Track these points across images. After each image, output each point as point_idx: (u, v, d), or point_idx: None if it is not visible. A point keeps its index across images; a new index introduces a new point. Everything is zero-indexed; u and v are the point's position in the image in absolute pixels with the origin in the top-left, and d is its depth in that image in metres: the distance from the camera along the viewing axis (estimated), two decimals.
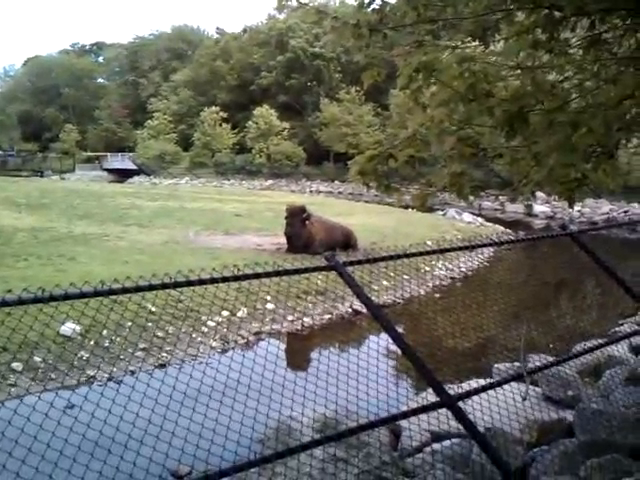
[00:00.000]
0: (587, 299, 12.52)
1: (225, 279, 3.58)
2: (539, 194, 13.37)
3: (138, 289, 3.33)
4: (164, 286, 3.35)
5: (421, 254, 4.50)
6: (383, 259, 4.34)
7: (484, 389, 4.29)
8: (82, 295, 3.18)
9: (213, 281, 3.40)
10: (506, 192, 4.21)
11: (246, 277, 3.66)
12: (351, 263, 4.13)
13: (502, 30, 3.64)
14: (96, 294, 3.22)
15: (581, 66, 3.62)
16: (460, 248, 4.95)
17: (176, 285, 3.28)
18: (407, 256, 4.40)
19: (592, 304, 12.09)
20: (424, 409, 3.88)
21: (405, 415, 3.97)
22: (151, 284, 3.37)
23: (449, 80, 3.32)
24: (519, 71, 3.61)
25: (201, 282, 3.33)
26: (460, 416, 3.70)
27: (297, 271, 3.89)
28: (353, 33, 3.57)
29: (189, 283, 3.41)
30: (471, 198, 3.72)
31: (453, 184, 3.54)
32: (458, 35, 3.67)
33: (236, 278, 3.61)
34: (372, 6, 3.60)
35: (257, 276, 3.71)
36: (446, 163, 3.56)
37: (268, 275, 3.73)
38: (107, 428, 3.68)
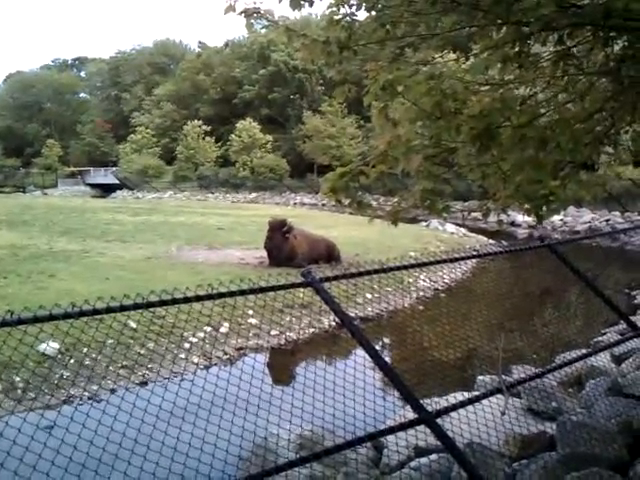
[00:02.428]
0: (570, 308, 12.58)
1: (199, 298, 3.54)
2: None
3: (122, 308, 3.30)
4: (136, 306, 3.30)
5: (398, 268, 4.48)
6: (360, 274, 4.32)
7: (462, 405, 4.26)
8: (66, 316, 3.14)
9: (175, 302, 3.36)
10: (479, 207, 4.21)
11: (220, 295, 3.63)
12: (327, 279, 4.10)
13: (472, 46, 3.65)
14: (81, 314, 3.19)
15: (550, 81, 3.63)
16: (438, 262, 4.94)
17: (136, 307, 3.23)
18: (384, 270, 4.38)
19: (575, 313, 12.14)
20: (402, 427, 3.84)
21: (382, 433, 3.93)
22: (122, 305, 3.32)
23: (416, 98, 3.32)
24: (487, 87, 3.62)
25: (162, 303, 3.29)
26: (438, 433, 3.67)
27: (273, 288, 3.86)
28: (323, 50, 3.57)
29: (162, 303, 3.37)
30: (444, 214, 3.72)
31: (424, 200, 3.53)
32: (428, 52, 3.67)
33: (210, 297, 3.57)
34: (341, 23, 3.60)
35: (232, 294, 3.68)
36: (417, 180, 3.55)
37: (243, 293, 3.69)
38: (88, 447, 3.62)
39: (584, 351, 7.05)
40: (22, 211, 25.45)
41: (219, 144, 64.19)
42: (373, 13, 3.60)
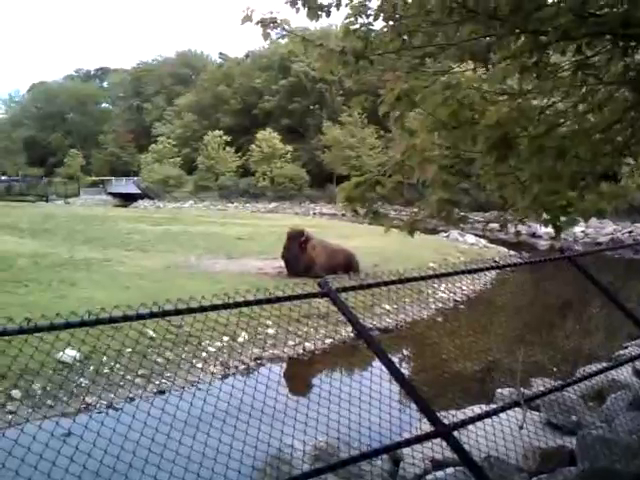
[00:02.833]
0: (592, 321, 12.41)
1: (215, 307, 3.54)
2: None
3: (138, 317, 3.32)
4: (152, 315, 3.31)
5: (415, 279, 4.45)
6: (377, 285, 4.29)
7: (480, 418, 4.21)
8: (83, 324, 3.17)
9: (191, 311, 3.37)
10: (496, 218, 4.17)
11: (237, 305, 3.63)
12: (344, 289, 4.09)
13: (491, 56, 3.62)
14: (97, 322, 3.21)
15: (568, 91, 3.59)
16: (457, 273, 4.90)
17: (162, 314, 3.23)
18: (401, 281, 4.35)
19: (597, 326, 11.98)
20: (418, 439, 3.80)
21: (399, 446, 3.89)
22: (138, 313, 3.33)
23: (432, 108, 3.30)
24: (505, 97, 3.59)
25: (178, 312, 3.29)
26: (454, 446, 3.62)
27: (289, 298, 3.84)
28: (339, 60, 3.57)
29: (177, 312, 3.37)
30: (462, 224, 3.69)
31: (440, 211, 3.50)
32: (445, 61, 3.65)
33: (226, 306, 3.57)
34: (357, 33, 3.60)
35: (247, 304, 3.67)
36: (433, 190, 3.53)
37: (259, 302, 3.69)
38: (105, 456, 3.63)
39: (605, 364, 6.94)
40: (44, 220, 25.70)
41: (239, 154, 64.48)
42: (390, 23, 3.60)
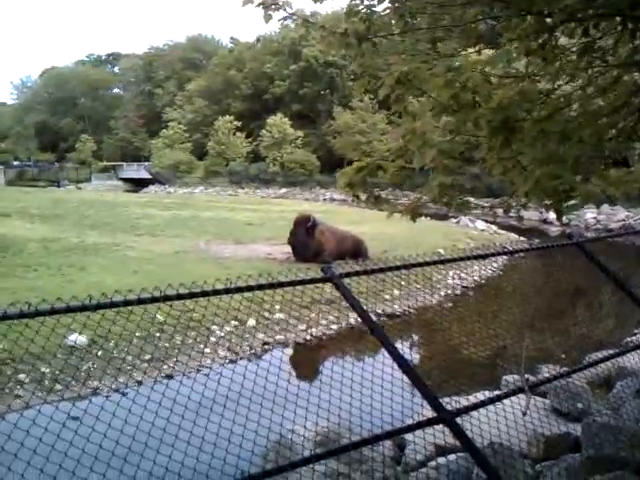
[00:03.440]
0: (602, 308, 12.33)
1: (216, 292, 3.52)
2: None
3: (140, 301, 3.31)
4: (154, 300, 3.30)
5: (420, 265, 4.41)
6: (381, 270, 4.26)
7: (483, 404, 4.18)
8: (83, 308, 3.16)
9: (192, 295, 3.36)
10: (499, 203, 4.12)
11: (238, 290, 3.61)
12: (347, 275, 4.06)
13: (495, 39, 3.56)
14: (98, 307, 3.20)
15: (573, 74, 3.52)
16: (462, 258, 4.85)
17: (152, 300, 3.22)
18: (406, 267, 4.32)
19: (607, 313, 11.91)
20: (419, 425, 3.79)
21: (400, 432, 3.88)
22: (142, 297, 3.33)
23: (434, 91, 3.25)
24: (508, 80, 3.52)
25: (179, 297, 3.28)
26: (457, 432, 3.61)
27: (291, 283, 3.82)
28: (341, 42, 3.51)
29: (179, 297, 3.36)
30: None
31: (442, 195, 3.46)
32: (450, 44, 3.60)
33: (227, 291, 3.54)
34: (359, 15, 3.54)
35: (250, 289, 3.65)
36: (434, 175, 3.48)
37: (261, 288, 3.67)
38: (109, 441, 3.63)
39: (612, 351, 6.89)
40: (54, 205, 25.82)
41: (250, 139, 64.38)
42: (395, 5, 3.54)
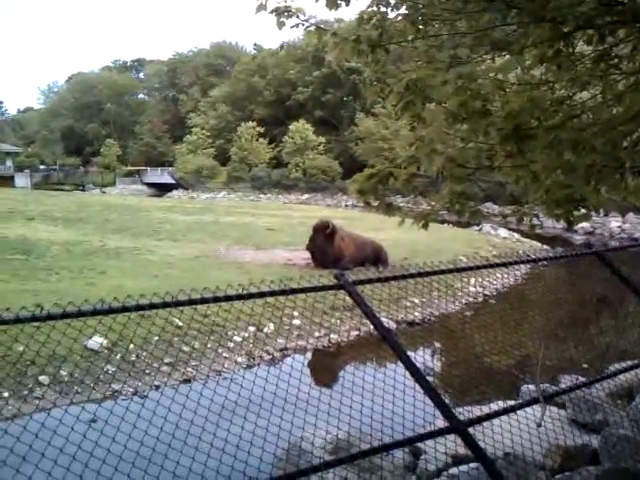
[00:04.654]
0: (628, 318, 12.12)
1: (228, 298, 3.54)
2: None
3: (164, 305, 3.36)
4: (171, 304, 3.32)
5: (435, 273, 4.39)
6: (395, 278, 4.25)
7: (497, 414, 4.14)
8: (111, 311, 3.22)
9: (204, 301, 3.37)
10: (513, 212, 4.07)
11: (250, 296, 3.62)
12: (360, 282, 4.05)
13: (510, 45, 3.52)
14: (124, 310, 3.25)
15: (588, 82, 3.47)
16: (478, 267, 4.82)
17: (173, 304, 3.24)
18: (420, 275, 4.30)
19: (632, 323, 11.70)
20: (431, 435, 3.75)
21: (411, 441, 3.85)
22: (159, 302, 3.35)
23: (444, 98, 3.22)
24: (519, 87, 3.48)
25: (191, 302, 3.29)
26: (469, 442, 3.57)
27: (304, 290, 3.82)
28: (353, 49, 3.51)
29: (191, 302, 3.38)
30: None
31: (453, 204, 3.43)
32: (462, 50, 3.56)
33: (240, 297, 3.56)
34: (372, 22, 3.53)
35: (262, 295, 3.66)
36: (446, 183, 3.45)
37: (273, 294, 3.67)
38: (130, 442, 3.67)
39: (635, 362, 6.77)
40: (78, 209, 26.13)
41: (272, 145, 64.65)
42: (405, 11, 3.52)
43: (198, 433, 3.86)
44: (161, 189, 65.66)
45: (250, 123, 64.66)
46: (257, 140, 64.25)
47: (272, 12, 3.55)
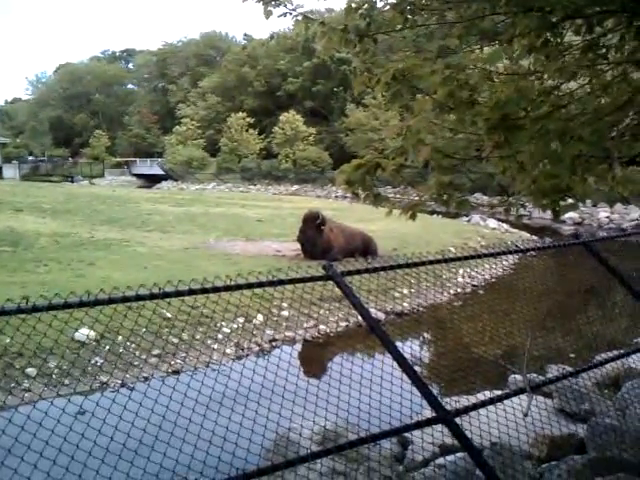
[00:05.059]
0: (616, 308, 12.19)
1: (216, 289, 3.52)
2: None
3: (151, 297, 3.35)
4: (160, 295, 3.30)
5: (423, 264, 4.39)
6: (383, 269, 4.25)
7: (484, 404, 4.16)
8: (97, 302, 3.21)
9: (192, 292, 3.34)
10: (500, 202, 4.08)
11: (238, 287, 3.60)
12: (349, 273, 4.05)
13: (498, 35, 3.51)
14: (110, 301, 3.24)
15: (575, 72, 3.47)
16: (466, 258, 4.83)
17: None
18: (408, 266, 4.30)
19: (619, 313, 11.78)
20: (418, 425, 3.76)
21: (398, 431, 3.86)
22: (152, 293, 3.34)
23: (431, 88, 3.21)
24: (507, 77, 3.47)
25: (178, 294, 3.27)
26: (456, 432, 3.58)
27: (292, 281, 3.81)
28: (341, 39, 3.49)
29: (178, 293, 3.36)
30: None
31: (440, 195, 3.42)
32: (451, 40, 3.55)
33: (227, 288, 3.54)
34: (360, 11, 3.51)
35: (250, 286, 3.64)
36: (433, 173, 3.45)
37: (261, 285, 3.66)
38: (118, 434, 3.66)
39: (621, 351, 6.82)
40: (67, 200, 25.98)
41: (262, 136, 64.46)
42: (393, 0, 3.51)
43: (185, 425, 3.85)
44: (150, 180, 65.36)
45: (240, 114, 64.42)
46: (247, 131, 64.03)
47: (259, 1, 3.52)
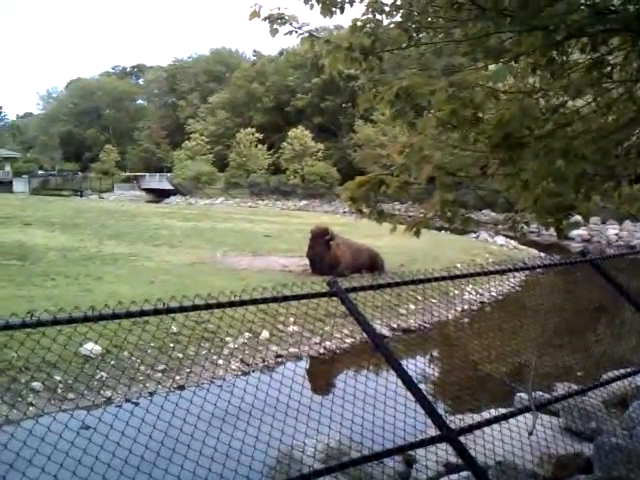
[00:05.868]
0: (624, 325, 12.09)
1: (220, 305, 3.52)
2: None
3: (155, 312, 3.35)
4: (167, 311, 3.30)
5: (429, 280, 4.37)
6: (389, 285, 4.24)
7: (489, 423, 4.12)
8: (101, 317, 3.21)
9: (195, 308, 3.35)
10: (504, 220, 4.07)
11: (242, 303, 3.60)
12: (353, 289, 4.04)
13: (504, 53, 3.52)
14: (114, 317, 3.23)
15: (579, 90, 3.48)
16: (472, 275, 4.81)
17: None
18: (414, 282, 4.29)
19: (628, 331, 11.67)
20: (422, 443, 3.74)
21: (402, 449, 3.83)
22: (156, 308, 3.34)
23: (435, 106, 3.22)
24: (510, 95, 3.48)
25: (182, 309, 3.27)
26: (460, 451, 3.55)
27: (296, 297, 3.81)
28: (346, 56, 3.51)
29: (182, 309, 3.36)
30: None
31: (444, 212, 3.42)
32: (455, 58, 3.57)
33: (231, 304, 3.54)
34: (365, 29, 3.54)
35: (254, 302, 3.64)
36: (437, 190, 3.45)
37: (265, 301, 3.66)
38: (120, 450, 3.65)
39: (629, 370, 6.76)
40: (75, 214, 26.10)
41: (271, 152, 64.74)
42: (398, 19, 3.53)
43: (188, 441, 3.84)
44: (159, 195, 65.62)
45: (249, 129, 64.76)
46: (256, 146, 64.31)
47: (265, 19, 3.55)
